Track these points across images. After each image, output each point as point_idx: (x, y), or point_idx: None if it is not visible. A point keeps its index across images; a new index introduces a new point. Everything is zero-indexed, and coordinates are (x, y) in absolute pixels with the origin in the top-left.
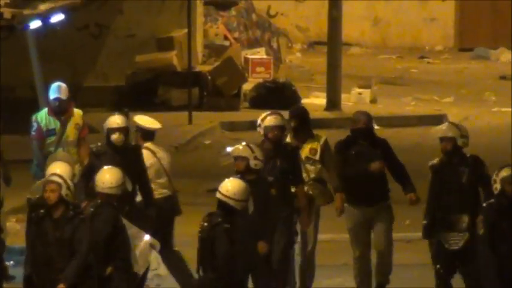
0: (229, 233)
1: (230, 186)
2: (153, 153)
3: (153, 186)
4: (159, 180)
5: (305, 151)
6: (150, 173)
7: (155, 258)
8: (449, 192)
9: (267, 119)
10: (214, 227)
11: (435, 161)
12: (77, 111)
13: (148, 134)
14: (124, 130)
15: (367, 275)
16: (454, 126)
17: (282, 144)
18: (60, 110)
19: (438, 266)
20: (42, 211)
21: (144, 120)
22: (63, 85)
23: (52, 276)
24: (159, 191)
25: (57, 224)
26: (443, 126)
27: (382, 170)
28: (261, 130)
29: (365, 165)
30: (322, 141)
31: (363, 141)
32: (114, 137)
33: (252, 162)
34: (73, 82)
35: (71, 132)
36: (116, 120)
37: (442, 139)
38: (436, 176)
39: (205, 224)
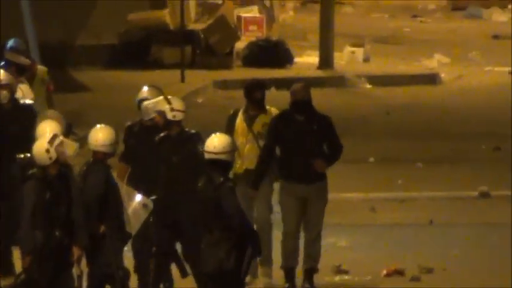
0: (233, 190)
1: (217, 141)
2: None
3: None
4: None
5: (257, 126)
6: None
7: None
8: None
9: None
10: (218, 187)
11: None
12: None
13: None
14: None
15: (295, 254)
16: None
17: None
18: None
19: None
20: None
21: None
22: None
23: None
24: None
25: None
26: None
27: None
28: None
29: (301, 144)
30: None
31: (299, 116)
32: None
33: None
34: (65, 40)
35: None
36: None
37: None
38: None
39: (201, 184)
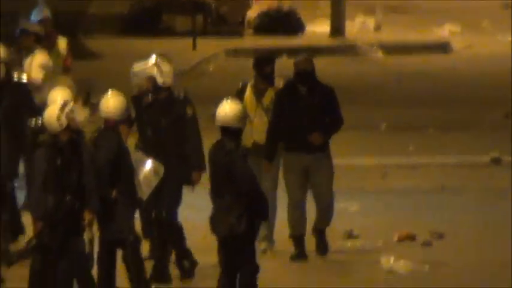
0: (245, 156)
1: (228, 108)
2: None
3: None
4: None
5: (266, 100)
6: None
7: None
8: None
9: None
10: (230, 153)
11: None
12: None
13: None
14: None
15: (302, 223)
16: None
17: None
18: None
19: None
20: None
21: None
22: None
23: None
24: None
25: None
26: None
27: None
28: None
29: (303, 116)
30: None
31: (302, 87)
32: None
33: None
34: (77, 9)
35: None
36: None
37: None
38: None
39: (212, 149)
